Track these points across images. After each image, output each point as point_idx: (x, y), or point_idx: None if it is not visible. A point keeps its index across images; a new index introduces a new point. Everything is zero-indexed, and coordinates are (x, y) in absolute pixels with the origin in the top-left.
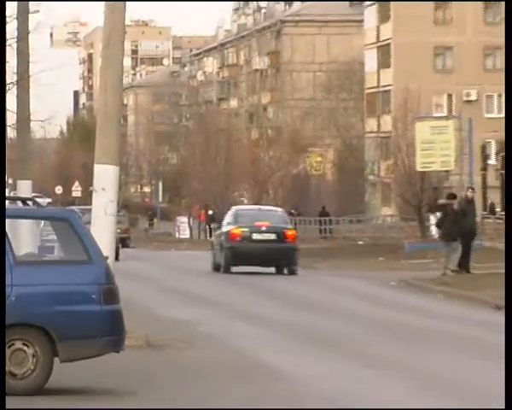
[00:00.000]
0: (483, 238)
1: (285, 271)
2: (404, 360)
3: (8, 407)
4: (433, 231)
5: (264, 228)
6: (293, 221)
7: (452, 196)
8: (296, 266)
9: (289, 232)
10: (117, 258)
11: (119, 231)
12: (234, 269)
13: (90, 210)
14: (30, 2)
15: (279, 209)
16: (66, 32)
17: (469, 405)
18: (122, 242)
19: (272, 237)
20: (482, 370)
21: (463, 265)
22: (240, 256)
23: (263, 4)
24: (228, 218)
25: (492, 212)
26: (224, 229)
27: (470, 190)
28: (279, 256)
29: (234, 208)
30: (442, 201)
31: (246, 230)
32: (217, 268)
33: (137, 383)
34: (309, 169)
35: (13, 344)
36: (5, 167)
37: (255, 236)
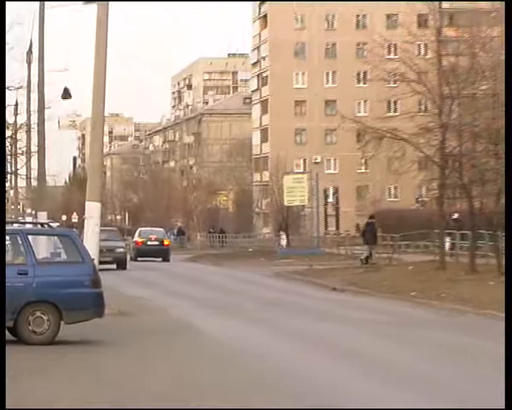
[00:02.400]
0: (325, 246)
1: (168, 260)
2: (274, 319)
3: (7, 406)
4: (283, 243)
5: (153, 239)
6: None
7: (372, 217)
8: (169, 258)
9: (166, 241)
10: (125, 267)
11: (122, 250)
12: (139, 259)
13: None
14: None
15: (161, 229)
16: (68, 120)
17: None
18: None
19: (157, 243)
20: (323, 326)
21: (370, 260)
22: (141, 253)
23: (190, 103)
24: (137, 233)
25: (358, 229)
26: (134, 239)
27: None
28: (161, 253)
29: (139, 229)
30: (367, 220)
31: (144, 239)
32: (131, 259)
33: (114, 337)
34: (218, 204)
35: (35, 313)
36: (5, 169)
37: (149, 243)
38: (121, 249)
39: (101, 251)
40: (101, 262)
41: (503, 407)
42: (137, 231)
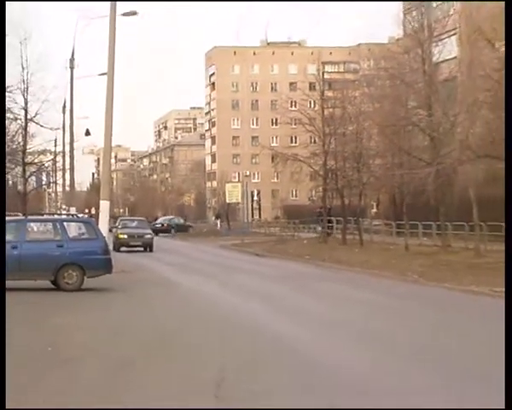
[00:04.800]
0: (252, 228)
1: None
2: (218, 273)
3: (8, 406)
4: (218, 227)
5: (159, 225)
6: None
7: (320, 208)
8: (172, 233)
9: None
10: (152, 250)
11: (149, 236)
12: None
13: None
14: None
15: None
16: (89, 149)
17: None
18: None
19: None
20: (257, 281)
21: (330, 234)
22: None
23: (166, 138)
24: (157, 220)
25: (275, 218)
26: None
27: (328, 208)
28: (166, 231)
29: (160, 218)
30: (318, 210)
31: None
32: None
33: (119, 286)
34: (184, 202)
35: (68, 271)
36: (5, 169)
37: (156, 225)
38: (149, 236)
39: (132, 237)
40: (131, 245)
41: (503, 407)
42: (157, 219)
